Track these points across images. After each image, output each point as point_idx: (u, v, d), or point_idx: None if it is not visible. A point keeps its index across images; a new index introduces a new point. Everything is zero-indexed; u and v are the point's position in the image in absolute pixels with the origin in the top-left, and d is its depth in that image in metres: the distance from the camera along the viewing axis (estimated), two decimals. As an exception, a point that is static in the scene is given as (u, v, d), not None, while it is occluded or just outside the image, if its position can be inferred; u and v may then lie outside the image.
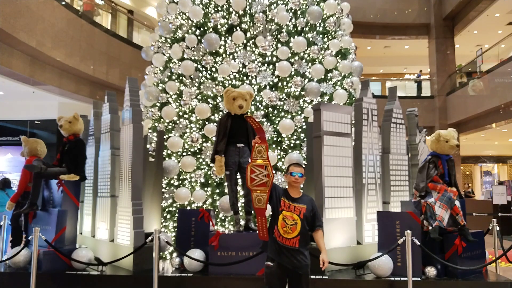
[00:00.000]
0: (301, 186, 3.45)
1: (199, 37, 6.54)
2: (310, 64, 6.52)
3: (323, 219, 4.73)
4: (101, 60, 11.44)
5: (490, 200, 11.92)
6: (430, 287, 4.50)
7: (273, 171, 6.10)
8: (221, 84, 6.35)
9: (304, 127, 6.07)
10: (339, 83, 6.71)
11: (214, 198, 6.04)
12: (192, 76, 6.43)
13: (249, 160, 4.86)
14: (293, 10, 6.68)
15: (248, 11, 6.56)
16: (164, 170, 5.90)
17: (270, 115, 6.27)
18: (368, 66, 16.35)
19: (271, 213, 3.33)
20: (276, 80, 6.38)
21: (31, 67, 9.49)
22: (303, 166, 4.12)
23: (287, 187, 3.36)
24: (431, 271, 4.55)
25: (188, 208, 5.93)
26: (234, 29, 6.50)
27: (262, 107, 6.28)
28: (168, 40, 6.91)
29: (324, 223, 4.53)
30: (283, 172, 5.96)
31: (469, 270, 4.57)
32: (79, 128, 5.52)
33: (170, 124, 6.38)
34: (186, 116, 6.37)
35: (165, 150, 6.17)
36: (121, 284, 4.65)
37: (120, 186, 5.24)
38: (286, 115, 6.24)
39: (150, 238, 4.55)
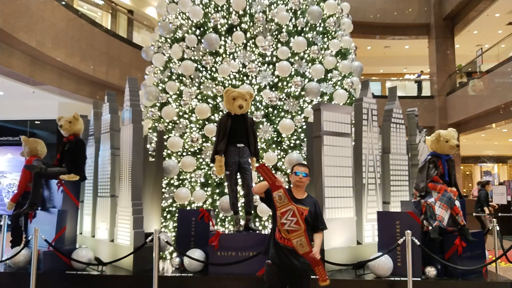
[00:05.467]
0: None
1: (199, 37, 6.54)
2: (310, 64, 6.52)
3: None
4: (101, 60, 11.44)
5: (490, 200, 11.91)
6: (430, 287, 4.50)
7: (274, 171, 6.06)
8: (221, 84, 6.35)
9: (304, 127, 6.07)
10: (339, 83, 6.71)
11: (214, 198, 6.04)
12: (192, 76, 6.43)
13: (249, 160, 4.89)
14: (293, 10, 6.68)
15: (248, 11, 6.56)
16: (164, 170, 5.89)
17: (270, 115, 6.26)
18: (368, 66, 16.33)
19: (271, 213, 3.32)
20: (276, 80, 6.38)
21: (31, 67, 9.49)
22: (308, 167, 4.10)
23: (291, 186, 3.33)
24: (431, 271, 4.55)
25: (188, 208, 5.92)
26: (234, 29, 6.50)
27: (262, 107, 6.28)
28: (168, 40, 6.91)
29: (324, 223, 4.53)
30: (283, 172, 5.96)
31: (469, 270, 4.57)
32: (79, 128, 5.52)
33: (170, 124, 6.37)
34: (186, 116, 6.37)
35: (165, 150, 6.17)
36: (121, 284, 4.65)
37: (120, 186, 5.24)
38: (286, 115, 6.24)
39: (150, 238, 4.55)
